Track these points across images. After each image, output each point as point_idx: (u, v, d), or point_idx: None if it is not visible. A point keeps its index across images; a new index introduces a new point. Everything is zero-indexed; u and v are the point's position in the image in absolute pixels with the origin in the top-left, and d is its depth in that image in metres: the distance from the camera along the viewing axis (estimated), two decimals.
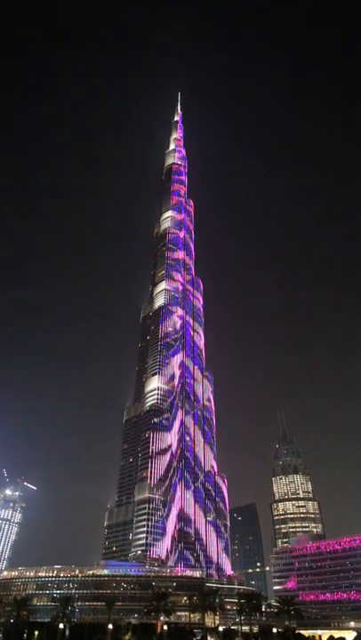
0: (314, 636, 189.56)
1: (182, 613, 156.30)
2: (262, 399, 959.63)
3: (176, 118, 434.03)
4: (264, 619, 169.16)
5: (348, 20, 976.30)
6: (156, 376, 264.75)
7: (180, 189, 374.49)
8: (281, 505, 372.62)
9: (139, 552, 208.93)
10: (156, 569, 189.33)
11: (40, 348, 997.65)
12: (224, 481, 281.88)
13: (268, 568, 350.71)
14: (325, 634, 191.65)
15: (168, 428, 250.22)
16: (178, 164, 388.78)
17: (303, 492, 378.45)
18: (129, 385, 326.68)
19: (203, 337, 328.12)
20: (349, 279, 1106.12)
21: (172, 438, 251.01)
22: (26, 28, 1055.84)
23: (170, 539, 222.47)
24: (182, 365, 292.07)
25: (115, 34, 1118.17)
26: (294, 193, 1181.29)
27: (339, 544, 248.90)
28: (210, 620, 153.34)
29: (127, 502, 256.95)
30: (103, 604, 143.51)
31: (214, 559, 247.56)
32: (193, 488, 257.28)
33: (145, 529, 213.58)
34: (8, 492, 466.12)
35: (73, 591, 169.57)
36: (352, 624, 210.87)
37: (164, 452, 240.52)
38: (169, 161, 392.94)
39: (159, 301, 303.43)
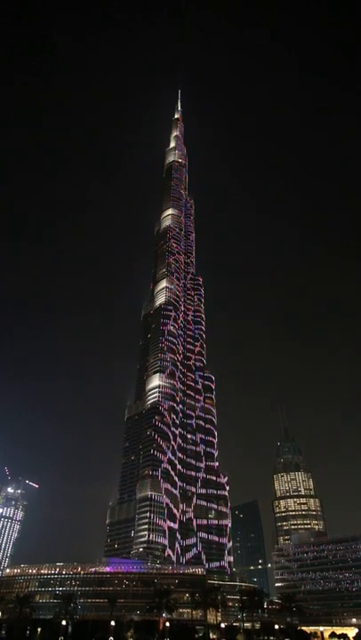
0: (316, 633, 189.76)
1: (184, 610, 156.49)
2: (263, 397, 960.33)
3: (176, 116, 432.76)
4: (266, 615, 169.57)
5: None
6: (158, 374, 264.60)
7: (181, 187, 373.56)
8: (282, 502, 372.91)
9: (141, 549, 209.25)
10: (158, 566, 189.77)
11: (41, 347, 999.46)
12: (225, 478, 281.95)
13: (269, 565, 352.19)
14: (327, 630, 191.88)
15: (169, 426, 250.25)
16: (178, 162, 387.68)
17: (305, 489, 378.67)
18: (130, 383, 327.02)
19: (204, 335, 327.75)
20: (351, 277, 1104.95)
21: (173, 436, 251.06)
22: (24, 26, 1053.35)
23: (171, 536, 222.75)
24: (183, 363, 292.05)
25: (115, 32, 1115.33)
26: (295, 190, 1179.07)
27: (340, 541, 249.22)
28: (212, 616, 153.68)
29: (129, 500, 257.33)
30: (105, 600, 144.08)
31: (216, 556, 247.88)
32: (194, 485, 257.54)
33: (147, 526, 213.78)
34: (10, 490, 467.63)
35: (75, 588, 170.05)
36: (354, 620, 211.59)
37: (165, 449, 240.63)
38: (169, 159, 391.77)
39: (160, 299, 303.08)
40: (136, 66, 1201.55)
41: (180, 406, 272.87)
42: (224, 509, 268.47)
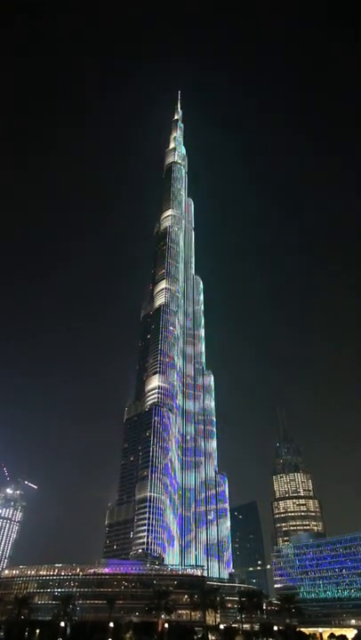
0: (315, 634, 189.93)
1: (183, 611, 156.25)
2: (263, 398, 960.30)
3: (176, 117, 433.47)
4: (265, 617, 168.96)
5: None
6: (157, 375, 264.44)
7: (180, 188, 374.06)
8: (282, 503, 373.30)
9: (140, 550, 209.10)
10: (157, 567, 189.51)
11: (40, 348, 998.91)
12: (225, 479, 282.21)
13: (268, 566, 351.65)
14: (326, 631, 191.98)
15: (169, 427, 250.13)
16: (178, 163, 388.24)
17: (304, 490, 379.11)
18: (130, 384, 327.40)
19: (203, 336, 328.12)
20: (350, 277, 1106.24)
21: (172, 437, 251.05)
22: (28, 23, 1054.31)
23: (170, 537, 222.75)
24: (183, 364, 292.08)
25: (115, 32, 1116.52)
26: (295, 190, 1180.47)
27: (339, 542, 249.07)
28: (211, 618, 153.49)
29: (128, 501, 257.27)
30: (104, 602, 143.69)
31: (215, 557, 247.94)
32: (194, 486, 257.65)
33: (146, 527, 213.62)
34: (9, 490, 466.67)
35: (74, 589, 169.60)
36: (353, 622, 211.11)
37: (164, 450, 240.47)
38: (169, 160, 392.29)
39: (160, 300, 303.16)
40: (136, 66, 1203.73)
41: (180, 407, 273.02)
42: (223, 510, 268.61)
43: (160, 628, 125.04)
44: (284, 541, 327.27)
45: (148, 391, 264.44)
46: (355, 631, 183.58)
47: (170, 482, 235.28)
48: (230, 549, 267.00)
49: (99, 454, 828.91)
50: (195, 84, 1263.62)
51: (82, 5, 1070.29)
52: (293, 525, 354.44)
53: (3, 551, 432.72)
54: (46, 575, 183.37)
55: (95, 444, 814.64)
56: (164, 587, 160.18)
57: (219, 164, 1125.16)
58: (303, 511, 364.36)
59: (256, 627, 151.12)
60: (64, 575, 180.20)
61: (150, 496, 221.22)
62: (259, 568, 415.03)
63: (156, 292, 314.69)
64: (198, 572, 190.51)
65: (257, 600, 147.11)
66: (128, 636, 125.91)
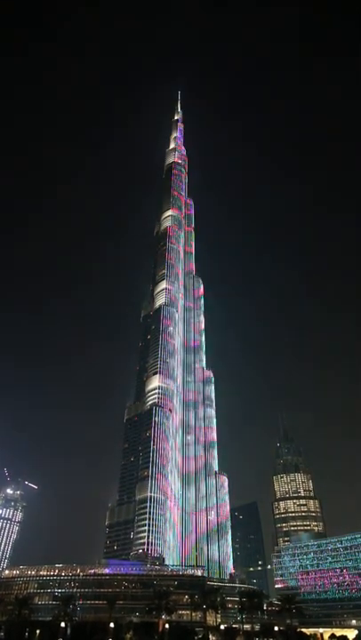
0: (315, 635, 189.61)
1: (184, 612, 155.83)
2: (263, 398, 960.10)
3: (176, 117, 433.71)
4: (266, 617, 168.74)
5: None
6: (157, 375, 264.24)
7: (181, 188, 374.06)
8: (282, 503, 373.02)
9: (140, 551, 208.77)
10: (158, 568, 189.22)
11: (40, 348, 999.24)
12: (225, 479, 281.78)
13: (269, 566, 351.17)
14: (327, 632, 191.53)
15: (169, 428, 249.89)
16: (178, 163, 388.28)
17: (304, 490, 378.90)
18: (130, 384, 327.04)
19: (203, 336, 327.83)
20: (350, 277, 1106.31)
21: (172, 437, 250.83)
22: (24, 21, 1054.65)
23: (171, 537, 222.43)
24: (183, 364, 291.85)
25: (115, 33, 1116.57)
26: (295, 190, 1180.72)
27: (340, 542, 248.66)
28: (211, 618, 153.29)
29: (128, 501, 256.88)
30: (105, 602, 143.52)
31: (215, 558, 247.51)
32: (194, 487, 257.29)
33: (146, 528, 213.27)
34: (9, 491, 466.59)
35: (74, 590, 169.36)
36: (354, 622, 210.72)
37: (164, 451, 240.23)
38: (169, 160, 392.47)
39: (160, 300, 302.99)
40: (136, 67, 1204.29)
41: (180, 407, 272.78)
42: (224, 510, 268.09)
43: (161, 629, 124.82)
44: (284, 541, 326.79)
45: (149, 391, 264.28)
46: (356, 632, 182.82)
47: (170, 482, 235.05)
48: (231, 549, 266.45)
49: (99, 454, 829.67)
50: (195, 84, 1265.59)
51: (81, 5, 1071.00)
52: (294, 525, 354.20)
53: (3, 551, 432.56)
54: (46, 575, 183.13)
55: (95, 445, 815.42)
56: (165, 587, 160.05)
57: (219, 163, 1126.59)
58: (304, 511, 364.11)
59: (257, 627, 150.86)
60: (64, 575, 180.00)
61: (150, 496, 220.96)
62: (259, 568, 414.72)
63: (156, 292, 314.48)
64: (199, 573, 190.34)
65: (257, 600, 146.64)
66: (128, 636, 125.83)
